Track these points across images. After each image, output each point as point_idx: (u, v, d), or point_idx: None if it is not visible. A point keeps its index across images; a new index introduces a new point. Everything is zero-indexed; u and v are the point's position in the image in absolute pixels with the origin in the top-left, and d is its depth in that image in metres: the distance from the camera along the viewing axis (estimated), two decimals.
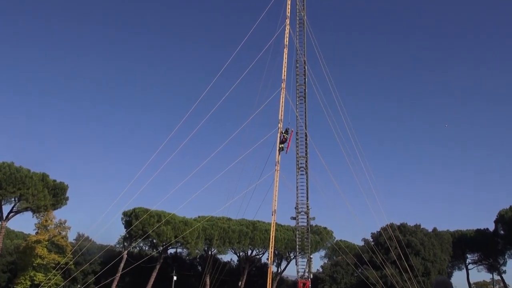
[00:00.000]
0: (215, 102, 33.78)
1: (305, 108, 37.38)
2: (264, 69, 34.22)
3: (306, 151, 37.63)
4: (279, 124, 31.39)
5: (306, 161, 37.42)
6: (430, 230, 67.29)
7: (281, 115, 31.82)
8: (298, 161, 37.55)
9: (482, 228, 72.40)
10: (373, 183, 37.85)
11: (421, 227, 67.17)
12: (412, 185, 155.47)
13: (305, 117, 37.51)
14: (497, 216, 68.31)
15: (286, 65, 33.10)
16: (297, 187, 37.82)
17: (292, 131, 33.74)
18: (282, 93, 31.80)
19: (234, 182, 34.91)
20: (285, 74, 32.66)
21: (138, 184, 32.46)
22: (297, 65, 36.98)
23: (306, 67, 36.84)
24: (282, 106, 31.59)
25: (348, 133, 37.68)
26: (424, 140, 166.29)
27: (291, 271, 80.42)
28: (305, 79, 36.87)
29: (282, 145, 32.00)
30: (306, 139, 37.44)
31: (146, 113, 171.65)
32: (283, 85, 32.27)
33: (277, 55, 33.65)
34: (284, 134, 32.28)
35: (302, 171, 37.63)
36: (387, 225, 56.19)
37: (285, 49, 33.52)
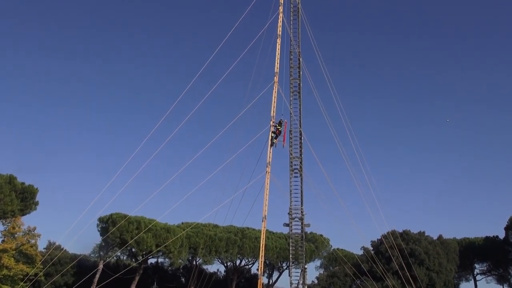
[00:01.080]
0: (199, 99, 33.60)
1: (300, 104, 37.54)
2: (254, 63, 34.28)
3: (300, 151, 37.76)
4: (271, 122, 31.36)
5: (301, 162, 37.51)
6: (435, 237, 67.77)
7: (273, 112, 31.85)
8: (291, 162, 37.65)
9: (491, 235, 73.00)
10: (374, 186, 37.89)
11: (426, 234, 67.63)
12: (415, 189, 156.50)
13: (300, 114, 37.73)
14: (507, 222, 68.80)
15: (279, 57, 33.08)
16: (290, 191, 37.94)
17: (286, 122, 33.67)
18: (274, 88, 31.77)
19: (221, 186, 34.75)
20: (278, 67, 32.63)
21: (115, 188, 32.18)
22: (291, 57, 37.12)
23: (300, 59, 36.97)
24: (274, 102, 31.58)
25: (346, 133, 37.77)
26: (428, 143, 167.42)
27: (284, 282, 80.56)
28: (299, 72, 37.03)
29: (276, 140, 31.89)
30: (300, 138, 37.58)
31: (126, 114, 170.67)
32: (276, 78, 32.23)
33: (268, 48, 33.71)
34: (278, 127, 32.16)
35: (296, 173, 37.72)
36: (388, 232, 56.45)
37: (278, 40, 33.51)
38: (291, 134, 37.40)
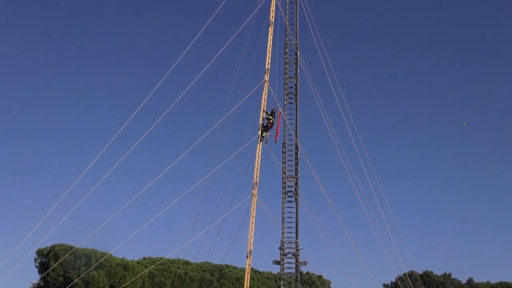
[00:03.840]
0: (165, 106, 33.60)
1: (296, 110, 37.66)
2: (238, 59, 34.38)
3: (296, 169, 37.76)
4: (259, 132, 31.28)
5: (296, 183, 37.42)
6: (464, 281, 68.04)
7: (263, 118, 31.75)
8: (284, 183, 37.56)
9: None
10: (387, 216, 37.85)
11: (452, 277, 67.91)
12: (439, 221, 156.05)
13: (296, 122, 37.83)
14: None
15: (271, 50, 33.06)
16: (282, 220, 37.71)
17: (280, 111, 33.60)
18: (264, 88, 31.66)
19: (194, 212, 34.54)
20: (269, 63, 32.64)
21: (59, 213, 31.90)
22: (286, 50, 37.28)
23: (298, 53, 37.15)
24: (264, 105, 31.52)
25: (354, 148, 37.73)
26: (454, 166, 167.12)
27: None
28: (296, 69, 37.18)
29: (267, 134, 31.85)
30: (296, 153, 37.62)
31: (77, 126, 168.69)
32: (266, 77, 32.10)
33: (258, 39, 33.83)
34: (270, 118, 32.05)
35: (290, 196, 37.61)
36: (405, 273, 56.55)
37: (270, 28, 33.44)
38: (284, 147, 37.48)
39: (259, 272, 74.58)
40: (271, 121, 32.10)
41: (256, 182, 30.42)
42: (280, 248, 37.89)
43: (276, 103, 33.10)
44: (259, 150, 31.24)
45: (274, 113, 32.48)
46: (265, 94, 31.65)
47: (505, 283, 74.48)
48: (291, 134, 37.34)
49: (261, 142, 31.36)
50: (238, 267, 76.09)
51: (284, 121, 36.91)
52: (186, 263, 71.02)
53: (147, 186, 32.51)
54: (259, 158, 31.03)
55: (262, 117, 31.60)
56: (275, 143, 33.10)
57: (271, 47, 33.07)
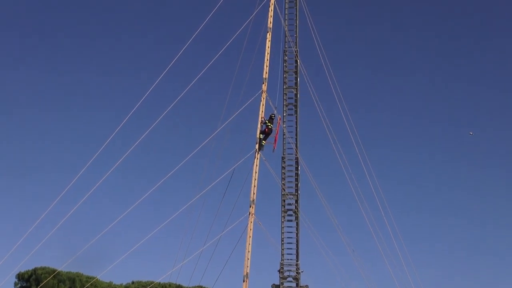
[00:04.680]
0: (160, 113, 33.54)
1: (296, 122, 37.52)
2: (234, 68, 34.52)
3: (297, 186, 37.53)
4: (256, 146, 31.23)
5: (297, 201, 37.19)
6: None
7: (260, 132, 31.69)
8: (284, 200, 37.37)
9: None
10: (398, 238, 37.63)
11: None
12: (458, 245, 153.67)
13: (296, 135, 37.66)
14: None
15: (269, 58, 33.18)
16: (282, 240, 37.48)
17: (280, 117, 33.64)
18: (262, 99, 31.75)
19: (187, 232, 34.38)
20: (267, 71, 32.68)
21: (41, 234, 31.76)
22: (285, 58, 37.26)
23: (298, 61, 37.13)
24: (261, 117, 31.59)
25: (361, 164, 37.47)
26: (473, 183, 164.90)
27: None
28: (296, 78, 37.10)
29: (265, 142, 31.80)
30: (296, 168, 37.42)
31: (59, 142, 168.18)
32: (264, 87, 32.17)
33: (255, 46, 33.95)
34: (268, 124, 32.02)
35: (290, 215, 37.38)
36: None
37: (268, 35, 33.56)
38: (284, 162, 37.32)
39: None
40: (270, 127, 32.05)
41: (253, 200, 30.26)
42: (279, 271, 37.53)
43: (275, 109, 33.15)
44: (256, 165, 31.11)
45: (273, 119, 32.44)
46: (263, 105, 31.67)
47: None
48: (291, 148, 37.20)
49: (258, 157, 31.31)
50: None
51: (284, 134, 36.85)
52: (179, 287, 70.67)
53: (134, 205, 32.34)
54: (257, 174, 30.91)
55: (260, 130, 31.55)
56: (273, 150, 33.07)
57: (269, 54, 33.17)
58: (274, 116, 32.56)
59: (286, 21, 36.87)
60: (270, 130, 32.07)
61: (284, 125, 36.68)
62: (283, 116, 36.92)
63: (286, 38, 37.11)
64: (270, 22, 33.66)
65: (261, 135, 31.54)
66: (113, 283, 67.21)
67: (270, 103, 32.42)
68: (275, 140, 32.54)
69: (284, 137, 37.25)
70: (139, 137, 33.02)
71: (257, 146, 31.35)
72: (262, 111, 31.54)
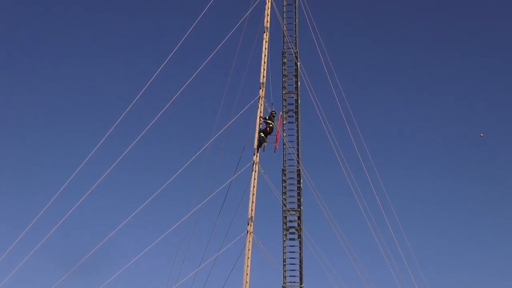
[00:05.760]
0: (147, 124, 33.41)
1: (298, 130, 37.19)
2: (228, 71, 34.36)
3: (299, 201, 37.39)
4: (254, 157, 30.97)
5: (299, 218, 37.11)
6: None
7: (261, 131, 31.60)
8: (285, 217, 37.24)
9: None
10: (411, 261, 37.59)
11: None
12: (477, 269, 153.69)
13: (298, 145, 37.36)
14: None
15: (266, 61, 32.91)
16: (284, 261, 37.60)
17: (281, 115, 33.56)
18: (259, 105, 31.58)
19: (179, 254, 34.26)
20: (265, 75, 32.44)
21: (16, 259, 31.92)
22: (284, 60, 37.03)
23: (299, 64, 36.85)
24: (259, 125, 31.49)
25: (367, 178, 37.22)
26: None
27: None
28: (297, 82, 36.87)
29: (266, 141, 31.81)
30: (299, 182, 37.22)
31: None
32: (262, 92, 31.94)
33: (251, 47, 33.76)
34: (269, 122, 31.98)
35: (293, 233, 37.34)
36: None
37: (264, 35, 33.33)
38: (284, 175, 37.11)
39: None
40: (271, 125, 32.03)
41: (251, 217, 29.99)
42: None
43: (273, 107, 33.03)
44: (254, 179, 30.80)
45: (273, 116, 32.41)
46: (261, 112, 31.56)
47: None
48: (292, 159, 36.88)
49: (257, 170, 31.14)
50: None
51: (284, 144, 36.68)
52: None
53: (121, 225, 32.39)
54: (255, 188, 30.58)
55: (260, 129, 31.60)
56: (275, 151, 32.91)
57: (266, 57, 32.89)
58: (275, 113, 32.53)
59: (284, 19, 36.58)
60: (272, 129, 32.08)
61: (284, 134, 36.51)
62: (283, 124, 36.70)
63: (285, 38, 36.89)
64: (267, 21, 33.42)
65: (261, 134, 31.56)
66: None
67: (269, 109, 32.35)
68: (276, 139, 32.55)
69: (284, 148, 37.11)
70: (124, 150, 33.07)
71: (255, 157, 31.20)
72: (260, 118, 31.54)
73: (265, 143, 31.71)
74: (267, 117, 32.01)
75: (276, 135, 32.59)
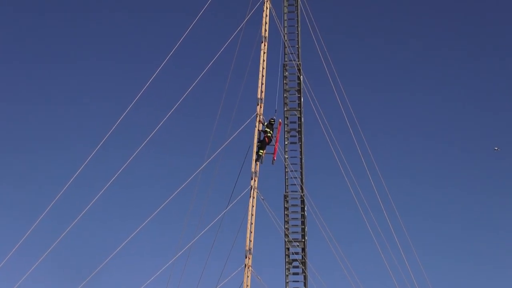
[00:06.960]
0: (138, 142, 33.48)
1: (301, 152, 36.84)
2: (223, 86, 34.23)
3: (303, 230, 37.02)
4: (252, 181, 30.83)
5: (304, 250, 36.74)
6: None
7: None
8: (288, 249, 36.83)
9: None
10: None
11: None
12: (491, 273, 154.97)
13: (301, 168, 37.03)
14: None
15: (265, 74, 32.98)
16: None
17: (280, 122, 33.44)
18: (256, 124, 31.62)
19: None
20: (263, 90, 32.46)
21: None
22: (286, 74, 36.80)
23: (302, 77, 36.67)
24: (256, 146, 31.43)
25: (378, 201, 36.70)
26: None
27: None
28: (300, 98, 36.59)
29: (263, 152, 31.86)
30: (303, 209, 36.81)
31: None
32: (260, 109, 32.00)
33: (248, 59, 33.89)
34: (268, 131, 31.99)
35: (296, 267, 36.98)
36: None
37: (262, 45, 33.35)
38: (287, 202, 36.67)
39: None
40: (269, 134, 32.05)
41: (249, 250, 29.98)
42: None
43: (275, 110, 33.37)
44: (252, 206, 30.68)
45: (272, 124, 32.45)
46: (259, 128, 31.77)
47: None
48: (295, 184, 36.47)
49: (255, 196, 31.00)
50: None
51: (285, 168, 36.40)
52: None
53: (103, 264, 32.17)
54: (253, 217, 30.55)
55: (258, 139, 31.69)
56: (273, 163, 33.16)
57: (264, 69, 32.93)
58: (274, 121, 32.61)
59: (285, 28, 36.47)
60: (270, 139, 32.19)
61: (286, 156, 36.35)
62: (285, 145, 36.60)
63: (286, 49, 36.67)
64: (265, 30, 33.49)
65: (259, 144, 31.77)
66: None
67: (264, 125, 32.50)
68: (274, 150, 32.68)
69: (285, 172, 36.68)
70: (116, 172, 32.94)
71: (253, 182, 31.14)
72: (257, 138, 31.61)
73: (262, 155, 31.90)
74: (265, 124, 32.09)
75: (275, 145, 32.68)
